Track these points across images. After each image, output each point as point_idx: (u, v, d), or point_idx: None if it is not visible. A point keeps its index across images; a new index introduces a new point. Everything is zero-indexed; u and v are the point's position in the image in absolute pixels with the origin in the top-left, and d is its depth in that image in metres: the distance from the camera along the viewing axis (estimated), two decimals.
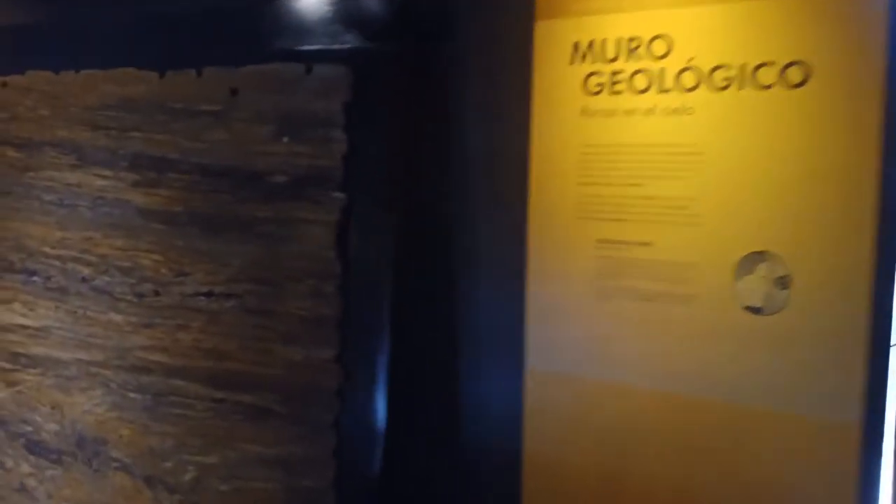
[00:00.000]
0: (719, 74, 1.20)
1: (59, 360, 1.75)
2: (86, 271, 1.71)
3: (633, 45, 1.26)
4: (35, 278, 1.80)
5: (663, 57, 1.24)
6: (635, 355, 1.31)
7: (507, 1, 1.38)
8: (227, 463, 1.50)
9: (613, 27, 1.27)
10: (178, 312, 1.58)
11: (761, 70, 1.17)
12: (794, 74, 1.14)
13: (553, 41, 1.32)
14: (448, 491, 1.43)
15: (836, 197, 1.13)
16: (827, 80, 1.13)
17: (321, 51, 1.45)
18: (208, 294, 1.54)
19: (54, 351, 1.76)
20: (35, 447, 1.78)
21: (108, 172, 1.69)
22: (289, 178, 1.46)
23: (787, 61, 1.15)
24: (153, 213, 1.62)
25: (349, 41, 1.43)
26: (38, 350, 1.79)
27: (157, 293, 1.61)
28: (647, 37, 1.25)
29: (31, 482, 1.78)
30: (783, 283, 1.17)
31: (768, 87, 1.16)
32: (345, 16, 1.44)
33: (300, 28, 1.50)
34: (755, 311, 1.20)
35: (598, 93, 1.30)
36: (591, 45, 1.30)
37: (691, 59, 1.22)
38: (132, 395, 1.63)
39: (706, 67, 1.21)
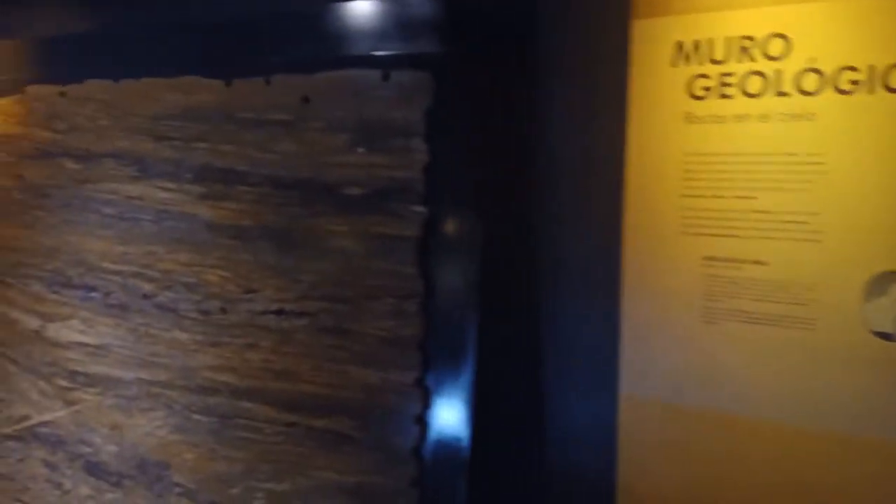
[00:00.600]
0: (845, 76, 1.10)
1: (120, 379, 1.69)
2: (148, 287, 1.66)
3: (746, 44, 1.16)
4: (94, 294, 1.75)
5: (780, 58, 1.14)
6: (744, 383, 1.21)
7: None
8: (300, 490, 1.43)
9: (722, 26, 1.18)
10: (247, 331, 1.51)
11: (894, 72, 1.06)
12: None
13: (653, 41, 1.23)
14: None
15: None
16: None
17: (398, 55, 1.38)
18: (279, 312, 1.47)
19: (114, 370, 1.70)
20: (94, 469, 1.73)
21: (171, 185, 1.63)
22: (365, 190, 1.39)
23: None
24: (220, 227, 1.55)
25: (428, 44, 1.36)
26: (97, 369, 1.73)
27: (224, 311, 1.54)
28: (762, 36, 1.15)
29: None
30: None
31: None
32: (423, 17, 1.36)
33: (375, 32, 1.42)
34: (885, 336, 1.09)
35: (704, 97, 1.20)
36: (696, 45, 1.20)
37: (813, 60, 1.12)
38: (197, 417, 1.56)
39: (830, 69, 1.11)
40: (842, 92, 1.10)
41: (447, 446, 1.31)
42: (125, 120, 1.71)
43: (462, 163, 1.33)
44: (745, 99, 1.17)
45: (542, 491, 1.35)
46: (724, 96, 1.19)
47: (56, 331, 1.81)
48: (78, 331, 1.77)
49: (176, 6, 1.69)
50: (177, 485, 1.59)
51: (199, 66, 1.60)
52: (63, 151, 1.82)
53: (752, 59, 1.16)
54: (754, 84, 1.16)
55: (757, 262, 1.18)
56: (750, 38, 1.16)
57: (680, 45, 1.21)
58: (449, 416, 1.31)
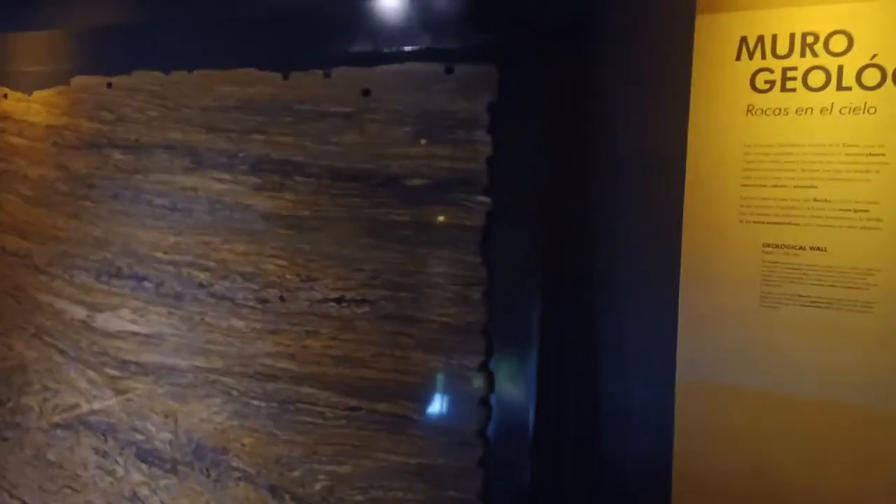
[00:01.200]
0: None
1: (174, 367, 1.72)
2: (203, 277, 1.68)
3: (809, 40, 1.21)
4: (146, 284, 1.77)
5: (843, 53, 1.18)
6: (803, 364, 1.26)
7: None
8: (363, 473, 1.47)
9: (786, 22, 1.22)
10: (307, 319, 1.54)
11: None
12: None
13: (717, 36, 1.27)
14: (596, 502, 1.38)
15: None
16: None
17: (460, 48, 1.41)
18: (339, 300, 1.51)
19: (168, 358, 1.73)
20: (147, 455, 1.76)
21: (226, 176, 1.66)
22: (428, 181, 1.42)
23: None
24: (278, 217, 1.58)
25: (491, 38, 1.39)
26: (149, 357, 1.76)
27: (282, 299, 1.57)
28: (825, 32, 1.19)
29: (144, 491, 1.76)
30: None
31: None
32: (485, 10, 1.40)
33: (435, 25, 1.46)
34: None
35: (767, 90, 1.24)
36: (760, 40, 1.24)
37: (874, 56, 1.16)
38: (256, 402, 1.60)
39: (891, 65, 1.15)
40: None
41: (511, 429, 1.36)
42: (177, 111, 1.73)
43: (524, 154, 1.37)
44: (808, 93, 1.21)
45: (599, 473, 1.39)
46: (786, 90, 1.23)
47: (105, 320, 1.83)
48: (128, 320, 1.79)
49: None
50: (235, 469, 1.62)
51: (254, 58, 1.62)
52: (110, 142, 1.84)
53: (815, 55, 1.20)
54: (817, 78, 1.21)
55: (816, 249, 1.23)
56: (813, 35, 1.20)
57: (744, 40, 1.25)
58: (512, 399, 1.36)
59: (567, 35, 1.37)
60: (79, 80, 1.90)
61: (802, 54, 1.21)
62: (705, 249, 1.31)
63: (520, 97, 1.35)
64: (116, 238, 1.82)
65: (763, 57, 1.25)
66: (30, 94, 1.99)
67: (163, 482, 1.73)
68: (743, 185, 1.27)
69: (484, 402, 1.36)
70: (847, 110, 1.18)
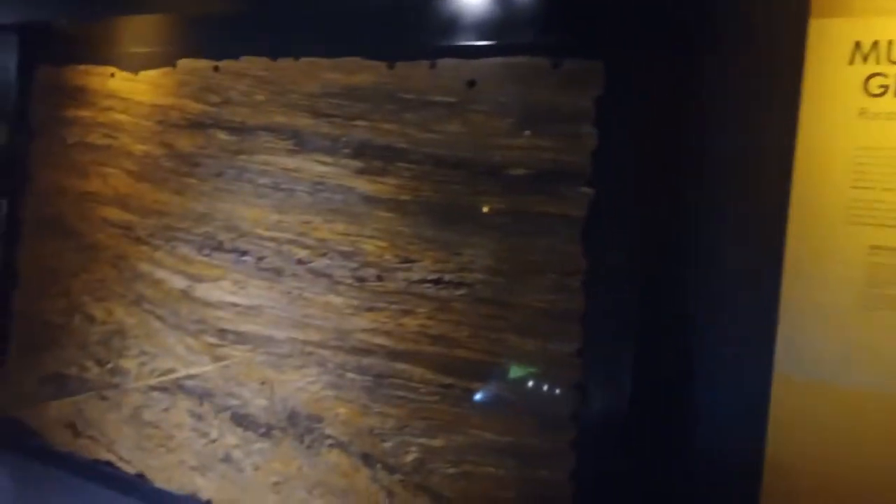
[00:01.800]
0: None
1: (272, 338, 1.82)
2: (303, 253, 1.77)
3: None
4: (246, 258, 1.87)
5: None
6: None
7: None
8: (455, 447, 1.54)
9: None
10: (403, 298, 1.62)
11: None
12: None
13: (830, 40, 1.29)
14: (684, 492, 1.43)
15: None
16: None
17: (566, 42, 1.45)
18: (437, 281, 1.58)
19: (266, 329, 1.83)
20: (242, 420, 1.87)
21: (328, 159, 1.74)
22: (530, 171, 1.47)
23: None
24: (378, 200, 1.66)
25: (598, 33, 1.43)
26: (247, 327, 1.86)
27: (380, 278, 1.65)
28: None
29: (237, 453, 1.87)
30: None
31: None
32: (593, 5, 1.43)
33: (541, 18, 1.50)
34: None
35: (880, 94, 1.26)
36: (875, 45, 1.26)
37: None
38: (351, 375, 1.68)
39: None
40: None
41: (604, 414, 1.41)
42: (283, 96, 1.81)
43: (629, 149, 1.40)
44: None
45: (690, 463, 1.44)
46: None
47: (205, 291, 1.94)
48: (229, 291, 1.90)
49: None
50: (328, 437, 1.71)
51: (360, 48, 1.69)
52: (215, 123, 1.94)
53: None
54: None
55: None
56: None
57: (858, 45, 1.27)
58: (607, 386, 1.41)
59: (676, 33, 1.39)
60: (185, 63, 2.00)
61: None
62: (810, 249, 1.34)
63: (625, 92, 1.38)
64: (219, 214, 1.92)
65: (877, 62, 1.26)
66: (136, 74, 2.11)
67: (256, 446, 1.84)
68: (852, 188, 1.29)
69: (578, 387, 1.42)
70: None
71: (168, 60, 2.03)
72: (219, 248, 1.92)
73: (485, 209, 1.52)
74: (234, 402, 1.88)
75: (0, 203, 2.39)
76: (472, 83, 1.54)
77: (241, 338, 1.87)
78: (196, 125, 1.97)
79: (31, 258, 2.34)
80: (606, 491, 1.40)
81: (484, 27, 1.55)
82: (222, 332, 1.91)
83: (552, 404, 1.44)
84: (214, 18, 1.96)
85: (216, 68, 1.93)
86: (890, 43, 1.25)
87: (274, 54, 1.83)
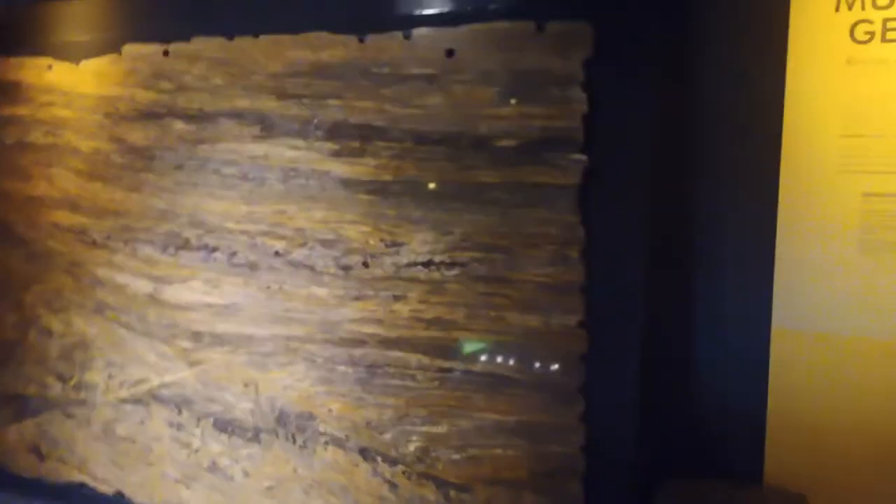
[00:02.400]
0: None
1: (252, 336, 1.72)
2: (279, 245, 1.67)
3: None
4: (217, 255, 1.76)
5: None
6: None
7: None
8: (459, 432, 1.49)
9: None
10: (393, 283, 1.55)
11: None
12: None
13: None
14: (691, 448, 1.42)
15: None
16: None
17: (550, 3, 1.39)
18: (427, 263, 1.51)
19: (245, 328, 1.73)
20: (226, 425, 1.76)
21: (300, 143, 1.64)
22: (520, 141, 1.42)
23: None
24: (358, 182, 1.57)
25: None
26: (224, 327, 1.76)
27: (366, 265, 1.57)
28: None
29: (224, 461, 1.77)
30: None
31: None
32: None
33: None
34: None
35: (867, 41, 1.26)
36: None
37: None
38: (342, 368, 1.61)
39: None
40: None
41: (613, 383, 1.38)
42: (244, 78, 1.70)
43: (621, 111, 1.36)
44: None
45: (697, 421, 1.43)
46: (887, 40, 1.25)
47: (174, 293, 1.82)
48: (200, 291, 1.78)
49: None
50: (323, 434, 1.64)
51: (325, 21, 1.59)
52: (170, 112, 1.81)
53: None
54: None
55: None
56: None
57: None
58: (614, 355, 1.38)
59: None
60: (131, 49, 1.85)
61: None
62: (803, 200, 1.33)
63: (616, 53, 1.34)
64: (182, 210, 1.80)
65: (862, 8, 1.26)
66: (77, 64, 1.94)
67: (244, 451, 1.74)
68: (843, 136, 1.29)
69: (584, 358, 1.39)
70: None
71: (112, 47, 1.88)
72: (185, 246, 1.80)
73: (473, 184, 1.46)
74: (217, 407, 1.78)
75: None
76: (450, 52, 1.47)
77: (218, 339, 1.77)
78: (148, 116, 1.83)
79: None
80: (621, 460, 1.38)
81: None
82: (197, 335, 1.79)
83: (559, 379, 1.41)
84: None
85: (166, 52, 1.80)
86: None
87: (229, 33, 1.71)
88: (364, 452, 1.60)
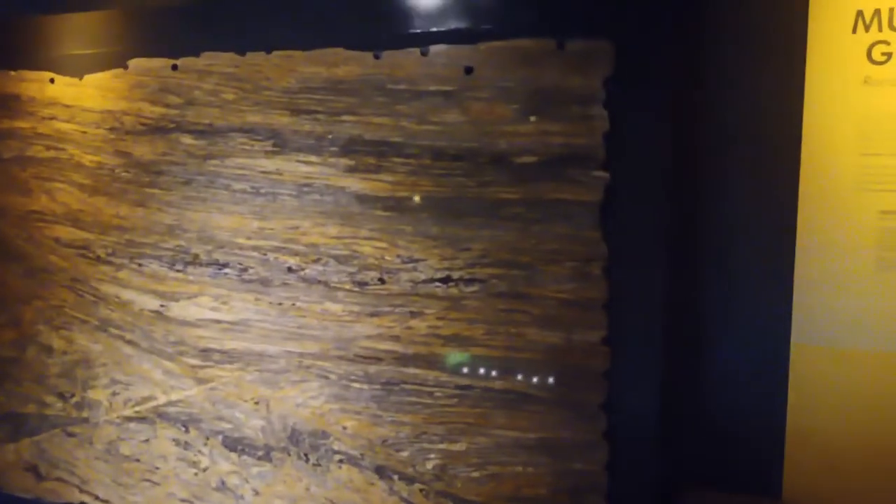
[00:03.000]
0: None
1: (263, 353, 1.69)
2: (292, 261, 1.66)
3: None
4: (227, 270, 1.73)
5: None
6: None
7: None
8: (478, 449, 1.48)
9: None
10: (410, 300, 1.54)
11: None
12: None
13: (833, 10, 1.30)
14: (711, 463, 1.43)
15: None
16: None
17: (569, 22, 1.40)
18: (445, 280, 1.51)
19: (256, 345, 1.70)
20: (236, 444, 1.74)
21: (314, 158, 1.63)
22: (540, 158, 1.42)
23: None
24: (374, 199, 1.56)
25: (602, 9, 1.39)
26: (234, 344, 1.73)
27: (381, 281, 1.56)
28: None
29: (234, 480, 1.74)
30: None
31: None
32: None
33: None
34: None
35: (884, 62, 1.28)
36: (877, 13, 1.28)
37: None
38: (357, 385, 1.59)
39: None
40: None
41: (635, 400, 1.38)
42: (255, 94, 1.68)
43: (641, 128, 1.37)
44: None
45: (717, 434, 1.44)
46: None
47: (181, 309, 1.79)
48: (209, 308, 1.76)
49: None
50: (337, 452, 1.62)
51: (341, 37, 1.59)
52: (178, 127, 1.78)
53: None
54: None
55: None
56: None
57: (860, 13, 1.29)
58: (635, 371, 1.38)
59: (682, 8, 1.37)
60: (138, 63, 1.82)
61: None
62: (821, 217, 1.35)
63: (635, 71, 1.35)
64: (191, 225, 1.77)
65: (880, 30, 1.28)
66: (81, 78, 1.91)
67: (255, 469, 1.72)
68: (861, 154, 1.31)
69: (607, 375, 1.39)
70: None
71: (117, 61, 1.85)
72: (194, 262, 1.77)
73: (492, 201, 1.46)
74: (226, 425, 1.75)
75: None
76: (469, 70, 1.47)
77: (227, 356, 1.74)
78: (156, 130, 1.81)
79: None
80: (644, 476, 1.38)
81: (479, 9, 1.48)
82: (205, 352, 1.77)
83: (581, 395, 1.41)
84: (169, 12, 1.80)
85: (174, 67, 1.78)
86: (892, 11, 1.27)
87: (241, 49, 1.69)
88: (380, 471, 1.58)
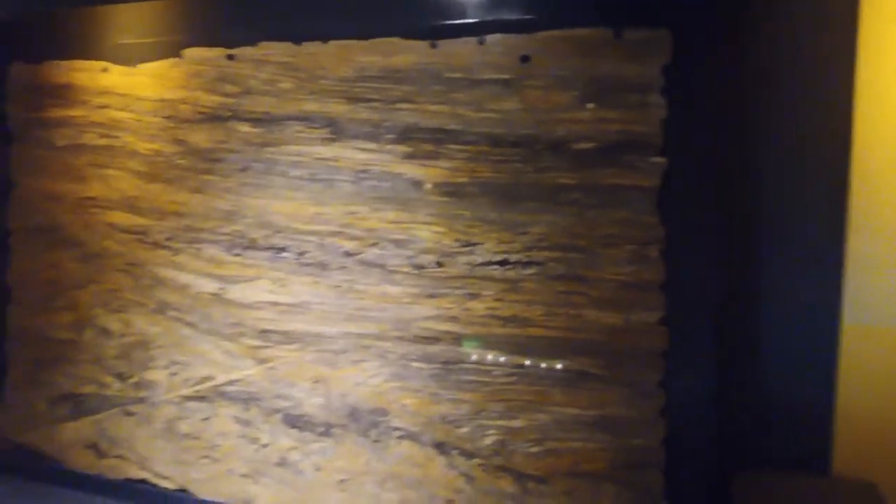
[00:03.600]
0: None
1: (322, 334, 1.76)
2: (350, 245, 1.71)
3: None
4: (285, 255, 1.79)
5: None
6: None
7: None
8: (537, 426, 1.54)
9: None
10: (467, 282, 1.59)
11: None
12: None
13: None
14: (761, 443, 1.48)
15: None
16: None
17: (627, 10, 1.43)
18: (503, 263, 1.56)
19: (314, 326, 1.76)
20: (296, 421, 1.81)
21: (371, 145, 1.67)
22: (598, 144, 1.46)
23: None
24: (431, 184, 1.61)
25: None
26: (293, 326, 1.79)
27: (440, 264, 1.62)
28: None
29: (294, 455, 1.81)
30: None
31: None
32: None
33: None
34: None
35: None
36: None
37: None
38: (416, 364, 1.65)
39: None
40: None
41: (691, 378, 1.44)
42: (312, 82, 1.72)
43: (698, 115, 1.41)
44: None
45: (768, 412, 1.49)
46: None
47: (240, 292, 1.85)
48: (268, 291, 1.81)
49: None
50: (397, 429, 1.68)
51: (397, 27, 1.63)
52: (235, 115, 1.83)
53: None
54: None
55: None
56: None
57: None
58: (691, 350, 1.44)
59: None
60: (194, 52, 1.87)
61: None
62: (874, 201, 1.39)
63: (692, 58, 1.39)
64: (248, 211, 1.83)
65: None
66: (135, 67, 1.96)
67: (315, 445, 1.79)
68: None
69: (664, 355, 1.44)
70: None
71: (172, 51, 1.90)
72: (252, 246, 1.83)
73: (550, 186, 1.51)
74: (285, 403, 1.82)
75: None
76: (526, 58, 1.51)
77: (286, 337, 1.80)
78: (213, 118, 1.85)
79: (24, 271, 2.17)
80: (700, 453, 1.44)
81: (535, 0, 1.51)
82: (264, 333, 1.83)
83: (639, 374, 1.46)
84: (225, 2, 1.84)
85: (231, 56, 1.82)
86: None
87: (298, 38, 1.73)
88: (439, 446, 1.65)
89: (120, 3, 1.96)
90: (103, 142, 2.02)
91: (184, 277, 1.94)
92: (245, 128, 1.82)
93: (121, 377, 2.05)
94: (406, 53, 1.62)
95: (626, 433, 1.47)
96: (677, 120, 1.40)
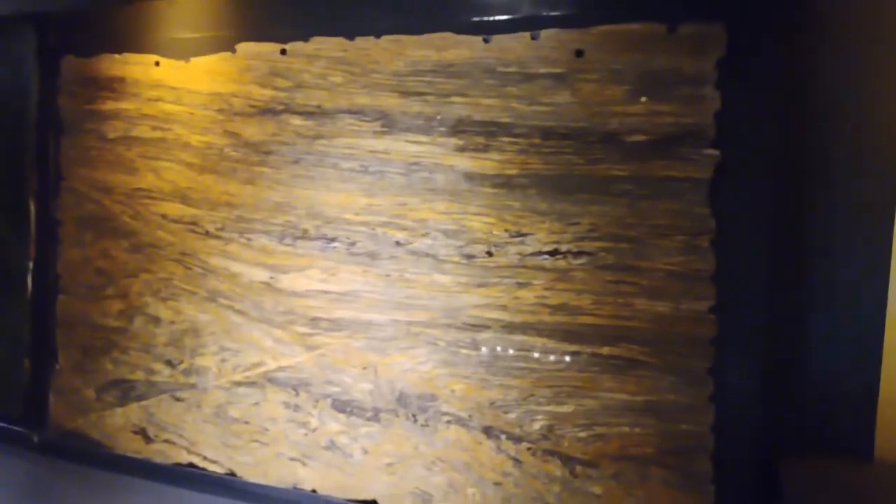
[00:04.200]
0: None
1: (371, 322, 1.80)
2: (400, 235, 1.76)
3: None
4: (335, 244, 1.84)
5: None
6: None
7: None
8: (585, 411, 1.58)
9: None
10: (517, 271, 1.63)
11: None
12: None
13: None
14: (805, 429, 1.52)
15: None
16: None
17: (681, 5, 1.47)
18: (553, 252, 1.60)
19: (364, 314, 1.81)
20: (345, 406, 1.86)
21: (423, 138, 1.72)
22: (650, 136, 1.50)
23: None
24: (482, 176, 1.65)
25: None
26: (342, 314, 1.84)
27: (490, 254, 1.66)
28: None
29: (343, 439, 1.86)
30: None
31: None
32: None
33: None
34: None
35: None
36: None
37: None
38: (465, 351, 1.70)
39: None
40: None
41: (739, 366, 1.47)
42: (364, 76, 1.77)
43: (751, 109, 1.44)
44: None
45: (813, 399, 1.52)
46: None
47: (291, 281, 1.90)
48: (318, 280, 1.87)
49: None
50: (445, 414, 1.73)
51: (450, 22, 1.67)
52: (287, 108, 1.88)
53: None
54: None
55: None
56: None
57: None
58: (740, 339, 1.47)
59: None
60: (246, 47, 1.92)
61: None
62: None
63: (745, 53, 1.42)
64: (299, 202, 1.88)
65: None
66: (187, 61, 2.01)
67: (364, 430, 1.84)
68: None
69: (714, 343, 1.47)
70: None
71: (225, 45, 1.95)
72: (303, 236, 1.88)
73: (602, 177, 1.54)
74: (335, 389, 1.87)
75: (27, 203, 2.27)
76: (579, 52, 1.55)
77: (336, 325, 1.85)
78: (265, 112, 1.91)
79: (74, 261, 2.24)
80: (748, 439, 1.47)
81: None
82: (314, 321, 1.88)
83: (688, 361, 1.50)
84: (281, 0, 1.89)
85: (283, 51, 1.87)
86: None
87: (350, 34, 1.78)
88: (488, 431, 1.69)
89: None
90: (155, 134, 2.08)
91: (235, 266, 1.99)
92: (297, 121, 1.87)
93: (170, 364, 2.11)
94: (459, 48, 1.66)
95: (674, 418, 1.50)
96: (730, 113, 1.43)
